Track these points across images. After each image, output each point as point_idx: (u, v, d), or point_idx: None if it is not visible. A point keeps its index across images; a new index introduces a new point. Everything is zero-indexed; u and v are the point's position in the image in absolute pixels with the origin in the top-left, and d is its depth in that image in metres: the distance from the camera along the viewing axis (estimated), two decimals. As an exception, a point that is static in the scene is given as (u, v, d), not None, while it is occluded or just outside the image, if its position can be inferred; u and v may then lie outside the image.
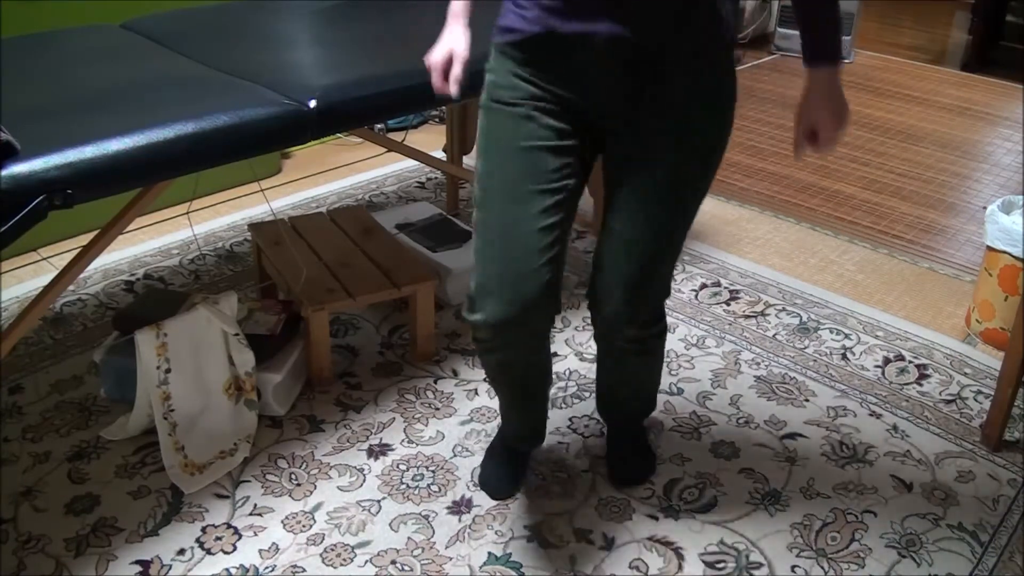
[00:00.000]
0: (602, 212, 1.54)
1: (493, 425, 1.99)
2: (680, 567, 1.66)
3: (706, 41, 1.37)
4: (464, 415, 2.03)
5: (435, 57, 1.52)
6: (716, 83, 1.42)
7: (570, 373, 2.18)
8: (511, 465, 1.84)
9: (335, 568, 1.64)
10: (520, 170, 1.43)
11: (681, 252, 1.56)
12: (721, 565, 1.67)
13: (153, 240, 2.76)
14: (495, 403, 2.06)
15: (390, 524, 1.74)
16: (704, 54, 1.39)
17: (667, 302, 2.49)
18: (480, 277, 1.47)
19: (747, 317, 2.46)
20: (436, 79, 1.53)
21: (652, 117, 1.41)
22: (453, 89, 1.52)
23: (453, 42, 1.52)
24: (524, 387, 1.69)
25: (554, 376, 2.16)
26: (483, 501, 1.80)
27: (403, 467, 1.88)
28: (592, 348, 2.25)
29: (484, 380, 2.12)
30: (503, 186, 1.44)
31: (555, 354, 2.25)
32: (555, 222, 1.44)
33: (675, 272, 2.67)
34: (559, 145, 1.43)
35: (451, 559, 1.66)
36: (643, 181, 1.45)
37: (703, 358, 2.27)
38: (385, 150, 3.33)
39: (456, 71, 1.51)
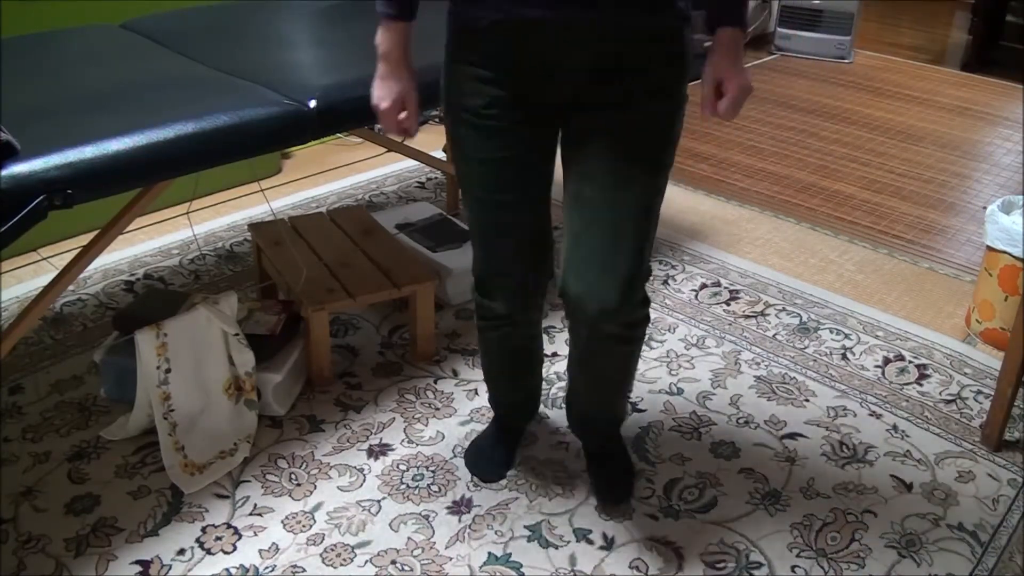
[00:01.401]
0: (566, 212, 1.50)
1: (493, 425, 2.00)
2: (680, 567, 1.66)
3: (667, 22, 1.38)
4: (464, 415, 2.03)
5: (384, 106, 1.50)
6: (677, 60, 1.41)
7: (570, 373, 2.18)
8: (504, 448, 1.87)
9: (335, 568, 1.64)
10: (497, 180, 1.50)
11: (656, 232, 1.52)
12: (721, 565, 1.67)
13: (153, 240, 2.76)
14: (495, 403, 2.06)
15: (390, 524, 1.74)
16: (665, 34, 1.39)
17: (667, 302, 2.50)
18: (484, 264, 1.60)
19: (747, 317, 2.46)
20: (391, 125, 1.53)
21: (613, 98, 1.40)
22: (412, 132, 1.56)
23: (402, 89, 1.49)
24: (521, 361, 1.78)
25: (554, 376, 2.16)
26: (483, 501, 1.80)
27: (403, 467, 1.88)
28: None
29: (477, 364, 2.12)
30: (485, 196, 1.52)
31: (555, 354, 2.25)
32: (540, 214, 1.55)
33: (675, 272, 2.67)
34: (534, 142, 1.48)
35: (451, 559, 1.66)
36: (608, 158, 1.43)
37: (703, 358, 2.27)
38: (385, 150, 3.34)
39: (410, 119, 1.53)
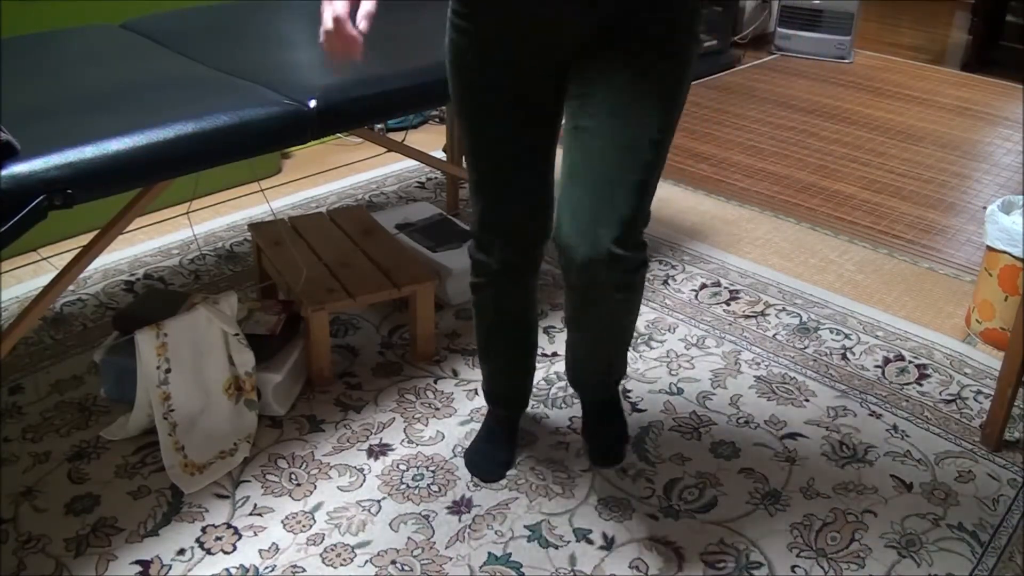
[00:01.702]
0: (565, 150, 1.45)
1: (493, 425, 1.99)
2: (680, 567, 1.66)
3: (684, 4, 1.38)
4: (464, 415, 2.03)
5: (328, 24, 1.29)
6: (687, 17, 1.40)
7: (570, 373, 2.18)
8: (503, 445, 1.87)
9: (335, 568, 1.64)
10: (503, 125, 1.49)
11: (657, 187, 1.45)
12: (721, 565, 1.67)
13: (153, 240, 2.76)
14: (495, 403, 2.06)
15: (390, 524, 1.74)
16: (678, 10, 1.38)
17: (667, 302, 2.50)
18: (484, 216, 1.58)
19: (747, 317, 2.46)
20: (343, 31, 1.29)
21: (621, 49, 1.39)
22: (361, 28, 1.29)
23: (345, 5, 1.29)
24: (516, 325, 1.75)
25: (554, 376, 2.16)
26: (483, 501, 1.80)
27: (403, 467, 1.88)
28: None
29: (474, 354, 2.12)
30: (490, 139, 1.52)
31: (555, 353, 2.25)
32: (544, 165, 1.55)
33: (675, 272, 2.67)
34: (539, 92, 1.47)
35: (451, 559, 1.66)
36: (612, 94, 1.38)
37: (703, 358, 2.27)
38: (385, 150, 3.33)
39: (353, 28, 1.29)
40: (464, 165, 2.94)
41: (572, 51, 1.43)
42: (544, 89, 1.48)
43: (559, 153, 1.51)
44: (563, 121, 1.50)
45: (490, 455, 1.87)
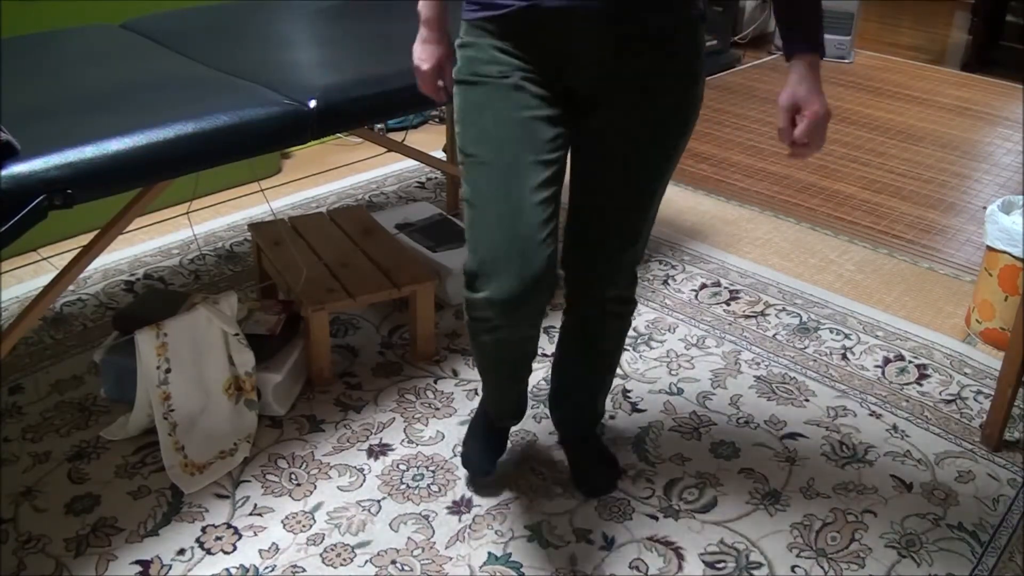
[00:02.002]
0: (572, 184, 1.56)
1: (493, 425, 1.99)
2: (680, 567, 1.66)
3: (683, 18, 1.41)
4: (464, 415, 2.03)
5: (425, 68, 1.61)
6: (691, 57, 1.45)
7: (570, 373, 2.18)
8: (493, 442, 1.86)
9: (335, 568, 1.64)
10: (517, 141, 1.41)
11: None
12: (721, 565, 1.67)
13: (153, 240, 2.76)
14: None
15: (390, 524, 1.74)
16: (681, 30, 1.42)
17: (667, 302, 2.50)
18: (483, 253, 1.42)
19: (747, 317, 2.46)
20: (429, 87, 1.64)
21: (630, 90, 1.43)
22: (443, 96, 1.65)
23: (441, 53, 1.61)
24: (516, 367, 1.66)
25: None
26: (483, 501, 1.80)
27: (403, 467, 1.88)
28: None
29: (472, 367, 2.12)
30: (500, 158, 1.41)
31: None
32: (552, 194, 1.42)
33: (675, 272, 2.67)
34: (551, 114, 1.43)
35: (451, 559, 1.66)
36: (623, 150, 1.49)
37: (703, 358, 2.27)
38: (385, 150, 3.33)
39: (446, 82, 1.61)
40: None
41: (588, 88, 1.44)
42: (558, 115, 1.46)
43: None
44: (571, 165, 1.54)
45: (482, 449, 1.84)
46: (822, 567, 1.67)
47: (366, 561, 1.65)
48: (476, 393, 2.10)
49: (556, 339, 1.82)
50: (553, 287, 1.47)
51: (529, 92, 1.42)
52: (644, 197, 1.54)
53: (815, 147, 1.38)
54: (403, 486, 1.83)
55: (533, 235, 1.39)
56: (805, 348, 2.33)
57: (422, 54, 1.60)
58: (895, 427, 2.05)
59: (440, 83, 1.63)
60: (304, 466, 1.87)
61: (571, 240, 1.59)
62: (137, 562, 1.64)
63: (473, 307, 1.48)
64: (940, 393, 2.18)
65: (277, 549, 1.67)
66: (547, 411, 2.05)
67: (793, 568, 1.67)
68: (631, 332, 2.35)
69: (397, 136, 3.51)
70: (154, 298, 2.13)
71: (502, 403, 1.80)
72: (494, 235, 1.41)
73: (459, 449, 1.92)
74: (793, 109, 1.38)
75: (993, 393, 2.01)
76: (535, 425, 2.01)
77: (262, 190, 3.00)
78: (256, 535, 1.70)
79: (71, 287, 2.44)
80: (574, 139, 1.51)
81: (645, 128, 1.47)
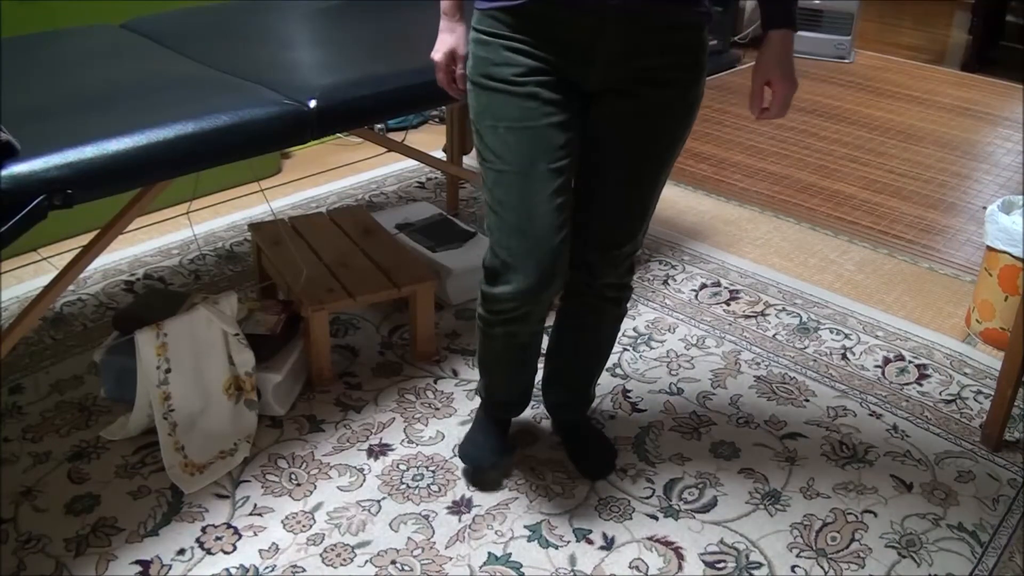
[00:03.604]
0: (577, 173, 1.58)
1: (493, 425, 1.99)
2: (680, 567, 1.66)
3: (693, 13, 1.45)
4: (464, 415, 2.03)
5: (437, 58, 1.60)
6: (698, 52, 1.50)
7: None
8: (496, 436, 1.87)
9: (335, 568, 1.64)
10: (532, 151, 1.47)
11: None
12: (721, 565, 1.67)
13: (153, 240, 2.76)
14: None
15: (390, 524, 1.74)
16: (690, 25, 1.46)
17: (667, 302, 2.50)
18: (503, 255, 1.52)
19: (747, 317, 2.46)
20: (443, 78, 1.63)
21: (638, 82, 1.47)
22: (457, 89, 1.62)
23: (454, 42, 1.59)
24: (524, 357, 1.76)
25: (554, 376, 2.16)
26: (483, 501, 1.80)
27: (403, 467, 1.88)
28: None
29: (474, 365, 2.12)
30: (517, 168, 1.48)
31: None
32: (565, 198, 1.51)
33: (675, 272, 2.67)
34: (564, 119, 1.47)
35: (451, 559, 1.66)
36: (628, 141, 1.53)
37: (703, 358, 2.27)
38: (385, 150, 3.33)
39: (460, 71, 1.59)
40: (464, 165, 2.94)
41: (599, 81, 1.46)
42: (572, 111, 1.49)
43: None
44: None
45: (483, 443, 1.85)
46: (822, 567, 1.67)
47: (366, 561, 1.65)
48: (476, 393, 2.10)
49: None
50: (565, 276, 1.60)
51: (542, 99, 1.45)
52: (646, 188, 1.58)
53: (781, 114, 1.53)
54: (403, 486, 1.83)
55: (550, 237, 1.50)
56: (805, 348, 2.33)
57: (438, 44, 1.61)
58: (895, 427, 2.05)
59: (457, 75, 1.61)
60: (304, 466, 1.87)
61: (573, 228, 1.59)
62: (137, 562, 1.64)
63: (491, 300, 1.58)
64: (940, 393, 2.18)
65: (277, 549, 1.67)
66: (546, 411, 2.05)
67: (793, 568, 1.67)
68: (631, 332, 2.35)
69: (397, 136, 3.51)
70: (154, 298, 2.12)
71: (507, 391, 1.83)
72: (512, 239, 1.51)
73: (459, 449, 1.92)
74: (766, 80, 1.51)
75: (993, 393, 2.01)
76: (535, 425, 2.01)
77: (262, 190, 3.00)
78: (256, 535, 1.70)
79: (71, 287, 2.44)
80: (587, 129, 1.55)
81: (650, 120, 1.51)
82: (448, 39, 1.59)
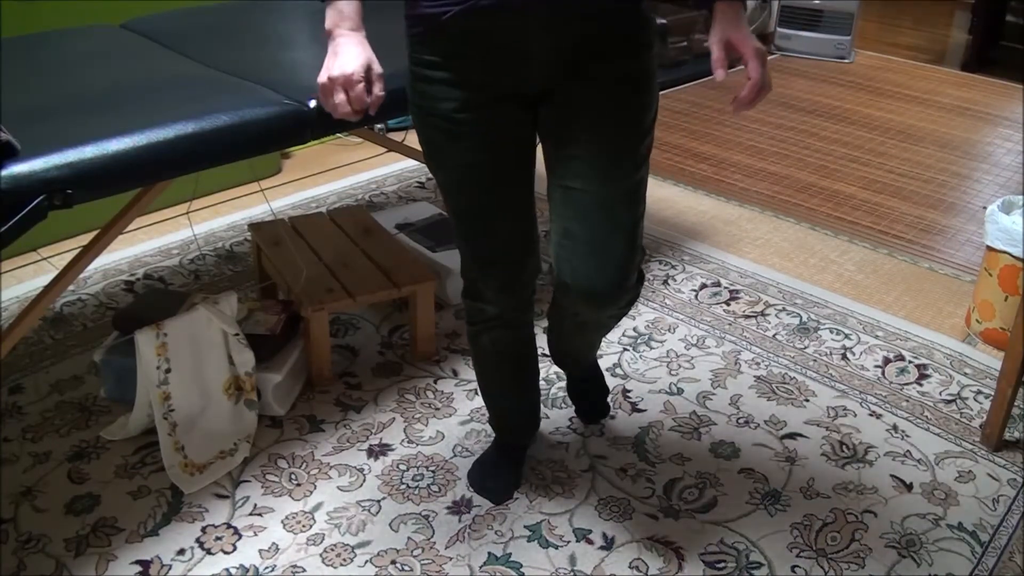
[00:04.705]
0: (555, 209, 1.49)
1: (493, 425, 1.99)
2: (680, 567, 1.66)
3: (636, 16, 1.39)
4: (464, 415, 2.03)
5: (352, 69, 1.42)
6: (636, 28, 1.40)
7: (570, 373, 2.18)
8: (510, 470, 1.84)
9: (335, 568, 1.64)
10: (485, 180, 1.48)
11: (645, 215, 1.52)
12: (721, 565, 1.67)
13: (153, 240, 2.77)
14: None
15: (390, 524, 1.74)
16: (626, 13, 1.38)
17: (667, 302, 2.50)
18: (472, 271, 1.59)
19: (747, 317, 2.46)
20: (356, 101, 1.45)
21: (584, 85, 1.39)
22: (373, 110, 1.50)
23: (369, 55, 1.46)
24: (518, 373, 1.75)
25: (554, 375, 2.16)
26: (483, 501, 1.80)
27: (403, 467, 1.88)
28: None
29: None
30: (470, 198, 1.50)
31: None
32: (527, 209, 1.54)
33: (675, 272, 2.67)
34: (514, 137, 1.46)
35: (451, 559, 1.66)
36: (587, 153, 1.42)
37: (703, 358, 2.27)
38: (385, 150, 3.33)
39: (379, 91, 1.47)
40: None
41: (541, 82, 1.40)
42: (519, 128, 1.45)
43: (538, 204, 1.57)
44: (548, 175, 1.50)
45: (495, 474, 1.83)
46: (822, 567, 1.67)
47: (366, 561, 1.65)
48: (476, 393, 2.10)
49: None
50: (538, 267, 1.62)
51: (487, 126, 1.42)
52: (624, 179, 1.44)
53: (760, 77, 1.41)
54: (403, 486, 1.83)
55: (515, 250, 1.55)
56: (805, 348, 2.33)
57: (344, 59, 1.42)
58: (895, 427, 2.05)
59: (374, 98, 1.47)
60: (304, 466, 1.87)
61: (559, 251, 1.49)
62: (137, 562, 1.64)
63: (471, 311, 1.66)
64: (940, 393, 2.18)
65: (277, 549, 1.67)
66: (547, 411, 2.05)
67: (793, 568, 1.67)
68: (631, 332, 2.36)
69: (397, 136, 3.51)
70: (154, 298, 2.13)
71: (512, 411, 1.81)
72: (475, 264, 1.58)
73: (459, 449, 1.92)
74: (727, 46, 1.39)
75: (993, 393, 2.01)
76: (535, 425, 2.01)
77: (262, 190, 3.00)
78: (256, 535, 1.70)
79: (71, 287, 2.44)
80: (541, 136, 1.49)
81: (604, 123, 1.41)
82: (362, 52, 1.44)
